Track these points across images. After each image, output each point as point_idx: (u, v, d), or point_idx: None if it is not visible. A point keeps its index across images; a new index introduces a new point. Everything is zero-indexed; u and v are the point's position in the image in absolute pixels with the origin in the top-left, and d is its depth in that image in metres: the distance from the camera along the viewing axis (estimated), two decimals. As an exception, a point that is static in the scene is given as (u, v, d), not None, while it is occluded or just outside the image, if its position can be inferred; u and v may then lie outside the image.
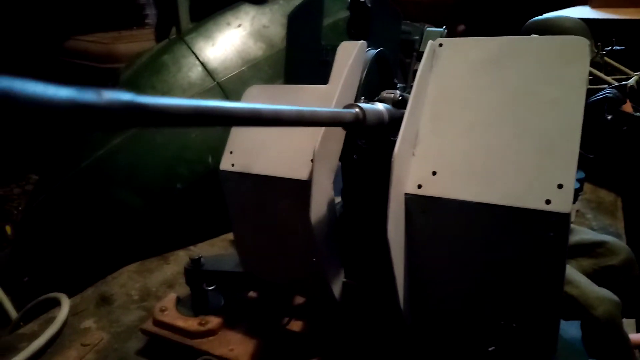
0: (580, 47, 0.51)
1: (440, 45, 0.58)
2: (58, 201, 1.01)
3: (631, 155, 0.95)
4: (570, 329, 0.65)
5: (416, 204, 0.53)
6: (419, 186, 0.53)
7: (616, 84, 0.68)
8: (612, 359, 0.60)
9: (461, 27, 2.85)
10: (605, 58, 0.79)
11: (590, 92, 0.50)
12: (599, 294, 0.60)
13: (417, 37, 0.93)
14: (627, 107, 0.64)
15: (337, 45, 0.98)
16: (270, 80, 1.13)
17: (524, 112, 0.51)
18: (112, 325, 0.84)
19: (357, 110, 0.46)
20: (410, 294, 0.57)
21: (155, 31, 1.37)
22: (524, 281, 0.51)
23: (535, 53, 0.53)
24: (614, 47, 0.79)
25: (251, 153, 0.64)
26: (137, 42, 1.71)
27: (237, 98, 1.10)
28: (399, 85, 0.76)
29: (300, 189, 0.58)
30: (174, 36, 1.13)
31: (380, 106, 0.52)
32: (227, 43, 1.12)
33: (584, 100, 0.49)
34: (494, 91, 0.53)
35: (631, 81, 0.68)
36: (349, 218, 0.65)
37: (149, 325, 0.75)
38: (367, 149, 0.61)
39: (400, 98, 0.58)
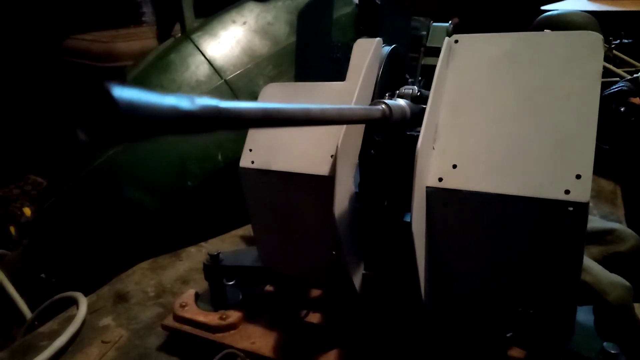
0: (595, 42, 0.53)
1: (456, 41, 0.59)
2: (70, 201, 1.02)
3: (631, 145, 0.97)
4: (579, 314, 0.67)
5: (438, 197, 0.55)
6: (440, 179, 0.55)
7: (628, 76, 0.70)
8: (625, 341, 0.62)
9: (455, 20, 2.87)
10: (614, 51, 0.81)
11: (602, 85, 0.52)
12: (612, 280, 0.62)
13: (424, 33, 0.95)
14: (635, 99, 0.66)
15: (343, 41, 0.99)
16: (276, 76, 1.14)
17: (541, 105, 0.53)
18: (130, 322, 0.85)
19: (384, 106, 0.47)
20: (431, 283, 0.59)
21: (157, 29, 1.37)
22: (542, 269, 0.53)
23: (551, 48, 0.54)
24: (623, 40, 0.81)
25: (271, 150, 0.66)
26: (137, 40, 1.70)
27: (244, 95, 1.12)
28: (409, 80, 0.78)
29: (323, 184, 0.59)
30: (179, 35, 1.14)
31: (402, 102, 0.54)
32: (232, 41, 1.13)
33: (599, 93, 0.51)
34: (511, 86, 0.55)
35: (641, 73, 0.70)
36: (366, 211, 0.66)
37: (169, 321, 0.77)
38: (385, 144, 0.63)
39: (418, 93, 0.59)
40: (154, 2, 1.99)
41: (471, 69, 0.58)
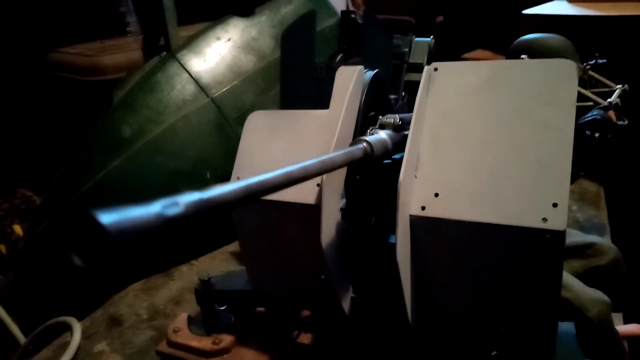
0: (569, 69, 0.54)
1: (436, 69, 0.61)
2: (60, 226, 1.02)
3: (613, 148, 0.99)
4: (565, 330, 0.69)
5: (421, 225, 0.56)
6: (423, 208, 0.56)
7: (602, 103, 0.72)
8: (605, 356, 0.64)
9: (439, 18, 2.88)
10: (590, 72, 0.83)
11: (577, 110, 0.53)
12: (592, 296, 0.64)
13: (406, 50, 0.96)
14: (611, 115, 0.68)
15: (326, 60, 1.00)
16: (262, 92, 1.15)
17: (518, 134, 0.54)
18: (124, 346, 0.86)
19: (365, 145, 0.48)
20: (417, 306, 0.61)
21: (143, 40, 1.37)
22: (523, 292, 0.55)
23: (526, 76, 0.56)
24: (598, 61, 0.83)
25: (258, 179, 0.67)
26: (122, 53, 1.69)
27: (232, 112, 1.13)
28: (391, 98, 0.79)
29: (310, 212, 0.60)
30: (164, 53, 1.14)
31: (383, 134, 0.55)
32: (218, 58, 1.13)
33: (573, 122, 0.52)
34: (489, 114, 0.56)
35: (615, 97, 0.72)
36: (353, 235, 0.68)
37: (163, 347, 0.78)
38: (370, 171, 0.64)
39: (400, 122, 0.61)
40: (138, 12, 1.98)
41: (450, 97, 0.59)
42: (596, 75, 0.84)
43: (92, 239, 0.20)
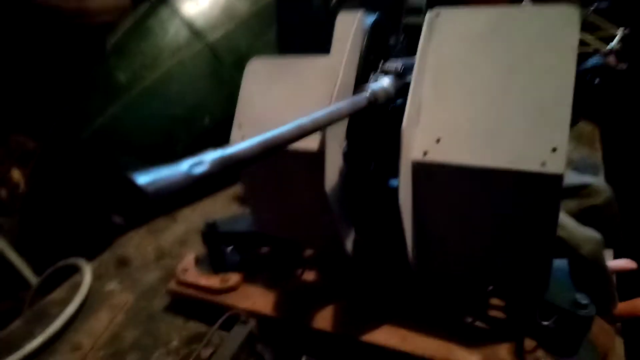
0: (571, 16, 0.54)
1: (438, 15, 0.60)
2: (61, 171, 1.03)
3: (611, 91, 0.99)
4: (556, 264, 0.73)
5: (422, 169, 0.58)
6: (425, 153, 0.57)
7: (603, 48, 0.71)
8: (596, 290, 0.68)
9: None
10: (593, 15, 0.82)
11: (579, 55, 0.54)
12: (585, 235, 0.67)
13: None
14: (610, 61, 0.68)
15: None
16: (257, 36, 1.12)
17: (520, 80, 0.55)
18: (135, 285, 0.89)
19: (368, 94, 0.49)
20: (418, 246, 0.63)
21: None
22: (520, 233, 0.58)
23: (529, 23, 0.56)
24: (599, 5, 0.81)
25: (260, 126, 0.67)
26: (109, -6, 1.64)
27: (227, 57, 1.11)
28: (390, 43, 0.78)
29: (314, 159, 0.62)
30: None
31: (385, 82, 0.56)
32: (211, 1, 1.10)
33: (574, 68, 0.53)
34: (491, 60, 0.57)
35: (615, 43, 0.71)
36: (354, 179, 0.69)
37: (173, 285, 0.81)
38: (372, 117, 0.65)
39: (402, 69, 0.61)
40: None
41: (452, 44, 0.59)
42: (597, 20, 0.83)
43: (132, 200, 0.22)
